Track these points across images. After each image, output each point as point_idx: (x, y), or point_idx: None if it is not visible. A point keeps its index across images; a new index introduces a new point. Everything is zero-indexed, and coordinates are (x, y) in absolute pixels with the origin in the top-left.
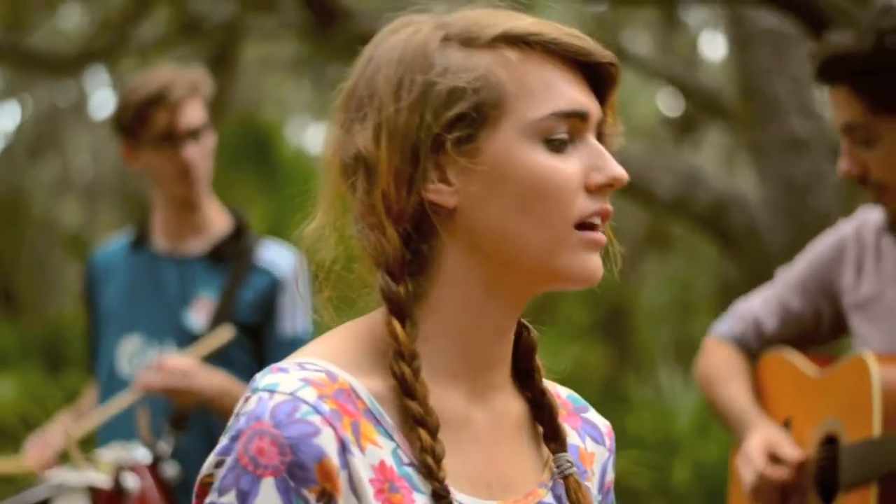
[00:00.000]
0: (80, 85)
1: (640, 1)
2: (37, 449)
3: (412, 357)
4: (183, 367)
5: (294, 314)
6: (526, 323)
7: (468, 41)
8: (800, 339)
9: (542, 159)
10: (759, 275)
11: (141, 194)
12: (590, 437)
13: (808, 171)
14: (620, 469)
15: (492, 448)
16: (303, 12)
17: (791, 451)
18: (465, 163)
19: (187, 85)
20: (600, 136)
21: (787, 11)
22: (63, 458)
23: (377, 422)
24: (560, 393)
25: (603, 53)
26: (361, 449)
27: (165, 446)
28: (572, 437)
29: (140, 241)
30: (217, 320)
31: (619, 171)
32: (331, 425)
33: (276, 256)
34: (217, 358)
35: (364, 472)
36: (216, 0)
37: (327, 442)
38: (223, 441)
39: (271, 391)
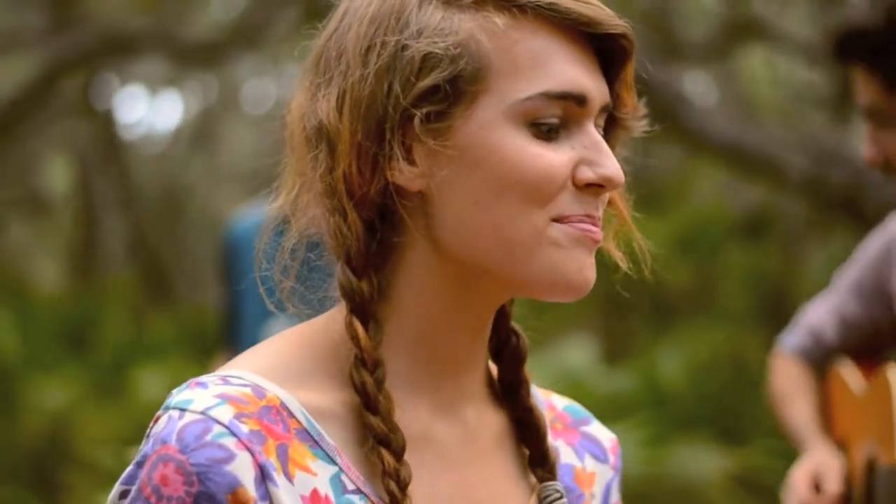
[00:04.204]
0: (233, 75)
1: None
2: None
3: (375, 365)
4: None
5: None
6: (516, 328)
7: (452, 0)
8: (862, 347)
9: (525, 144)
10: None
11: None
12: (590, 455)
13: None
14: (755, 462)
15: (462, 469)
16: None
17: (833, 483)
18: (434, 143)
19: None
20: (614, 122)
21: None
22: None
23: (315, 443)
24: (556, 404)
25: (613, 23)
26: (289, 477)
27: None
28: (567, 456)
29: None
30: None
31: (614, 171)
32: (248, 449)
33: None
34: None
35: None
36: None
37: (242, 469)
38: (129, 467)
39: (182, 409)
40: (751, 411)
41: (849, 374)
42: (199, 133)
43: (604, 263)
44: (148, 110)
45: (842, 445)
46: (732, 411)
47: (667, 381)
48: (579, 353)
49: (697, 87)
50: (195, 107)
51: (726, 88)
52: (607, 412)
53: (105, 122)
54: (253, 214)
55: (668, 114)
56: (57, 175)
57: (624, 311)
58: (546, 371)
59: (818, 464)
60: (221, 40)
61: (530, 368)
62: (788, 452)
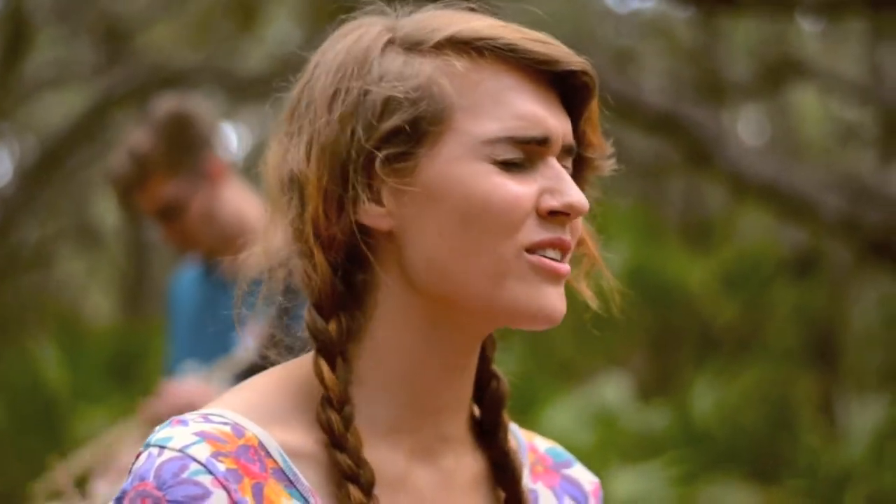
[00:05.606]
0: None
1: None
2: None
3: (342, 403)
4: (189, 394)
5: None
6: (496, 371)
7: (412, 46)
8: None
9: (489, 176)
10: None
11: None
12: (570, 497)
13: None
14: (785, 502)
15: None
16: None
17: None
18: (398, 182)
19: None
20: (582, 162)
21: None
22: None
23: (290, 483)
24: (538, 447)
25: (572, 61)
26: None
27: None
28: (546, 499)
29: (212, 267)
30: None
31: (577, 199)
32: (223, 487)
33: None
34: None
35: None
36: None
37: None
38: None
39: (161, 447)
40: (785, 450)
41: None
42: (254, 167)
43: (649, 300)
44: None
45: None
46: (766, 450)
47: (701, 419)
48: (614, 389)
49: (749, 125)
50: (250, 140)
51: (778, 126)
52: (639, 449)
53: None
54: (191, 270)
55: (705, 154)
56: (107, 208)
57: (669, 347)
58: (579, 407)
59: None
60: (275, 73)
61: (564, 404)
62: (819, 492)
